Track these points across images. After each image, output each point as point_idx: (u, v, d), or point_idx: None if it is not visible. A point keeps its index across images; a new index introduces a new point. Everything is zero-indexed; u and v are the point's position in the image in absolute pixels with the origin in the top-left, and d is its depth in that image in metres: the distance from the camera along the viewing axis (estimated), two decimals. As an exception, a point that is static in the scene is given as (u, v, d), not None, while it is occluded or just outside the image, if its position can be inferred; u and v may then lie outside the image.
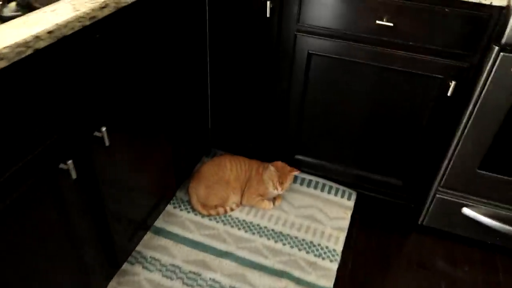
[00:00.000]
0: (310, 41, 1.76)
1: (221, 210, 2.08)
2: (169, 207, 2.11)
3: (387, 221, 2.14)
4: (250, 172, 2.14)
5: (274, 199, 2.15)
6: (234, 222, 2.05)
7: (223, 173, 2.08)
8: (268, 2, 1.69)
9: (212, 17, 1.86)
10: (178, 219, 2.05)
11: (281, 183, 2.03)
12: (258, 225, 2.05)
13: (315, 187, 2.28)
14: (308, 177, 2.31)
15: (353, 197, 2.23)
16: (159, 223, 2.01)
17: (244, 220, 2.07)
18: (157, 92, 1.57)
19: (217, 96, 2.13)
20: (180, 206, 2.12)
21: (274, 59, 1.88)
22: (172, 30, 1.58)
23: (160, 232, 1.97)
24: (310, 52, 1.79)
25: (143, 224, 1.83)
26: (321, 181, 2.29)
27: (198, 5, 1.75)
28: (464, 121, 1.67)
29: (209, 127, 2.26)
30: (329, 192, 2.25)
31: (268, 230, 2.02)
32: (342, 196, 2.23)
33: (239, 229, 2.02)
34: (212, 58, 2.00)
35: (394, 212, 2.16)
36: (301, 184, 2.30)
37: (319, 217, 2.11)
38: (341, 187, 2.27)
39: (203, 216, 2.07)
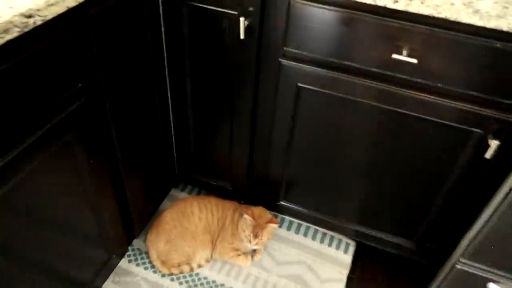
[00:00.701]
0: (300, 71, 1.29)
1: (185, 268, 1.68)
2: (123, 262, 1.71)
3: (393, 282, 1.74)
4: (224, 220, 1.72)
5: (253, 252, 1.75)
6: (202, 284, 1.66)
7: (189, 223, 1.67)
8: (241, 19, 1.21)
9: (170, 43, 1.39)
10: (132, 278, 1.66)
11: (256, 236, 1.61)
12: (230, 287, 1.65)
13: (305, 234, 1.86)
14: (297, 220, 1.90)
15: (351, 249, 1.82)
16: (108, 285, 1.62)
17: (214, 281, 1.67)
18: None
19: (182, 126, 1.67)
20: (136, 260, 1.72)
21: (252, 92, 1.41)
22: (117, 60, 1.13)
23: (107, 299, 1.59)
24: (300, 85, 1.32)
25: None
26: (313, 226, 1.88)
27: (148, 30, 1.28)
28: (506, 191, 1.22)
29: (175, 159, 1.82)
30: (321, 241, 1.83)
31: (242, 297, 1.63)
32: (338, 247, 1.82)
33: (206, 294, 1.63)
34: (174, 88, 1.53)
35: (402, 270, 1.75)
36: (288, 228, 1.88)
37: (307, 277, 1.71)
38: (337, 235, 1.86)
39: (163, 274, 1.67)
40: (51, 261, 1.18)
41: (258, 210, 1.68)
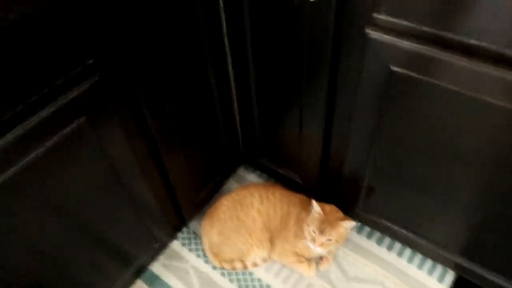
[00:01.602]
0: (394, 49, 0.89)
1: (238, 264, 1.47)
2: (176, 244, 1.57)
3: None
4: (288, 218, 1.44)
5: (319, 260, 1.46)
6: (254, 286, 1.44)
7: (246, 216, 1.43)
8: (313, -30, 0.84)
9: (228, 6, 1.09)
10: (182, 264, 1.51)
11: (323, 233, 1.30)
12: (286, 298, 1.41)
13: (390, 248, 1.49)
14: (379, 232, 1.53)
15: (449, 279, 1.41)
16: (156, 267, 1.51)
17: (268, 286, 1.44)
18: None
19: (245, 102, 1.40)
20: (190, 244, 1.57)
21: (328, 71, 1.05)
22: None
23: (153, 283, 1.47)
24: (394, 69, 0.93)
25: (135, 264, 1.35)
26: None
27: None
28: None
29: (240, 139, 1.57)
30: (410, 261, 1.46)
31: (298, 312, 1.38)
32: (431, 273, 1.42)
33: (257, 300, 1.42)
34: (234, 59, 1.25)
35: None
36: (369, 237, 1.53)
37: (382, 304, 1.37)
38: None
39: (215, 267, 1.50)
40: (99, 228, 1.10)
41: (330, 207, 1.36)
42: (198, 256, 1.53)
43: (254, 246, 1.44)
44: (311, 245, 1.33)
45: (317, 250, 1.33)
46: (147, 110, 1.03)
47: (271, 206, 1.44)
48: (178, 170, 1.29)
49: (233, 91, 1.37)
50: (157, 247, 1.44)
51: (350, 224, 1.31)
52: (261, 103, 1.36)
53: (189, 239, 1.58)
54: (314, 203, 1.31)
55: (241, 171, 1.77)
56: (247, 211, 1.43)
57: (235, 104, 1.43)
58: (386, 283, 1.41)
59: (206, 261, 1.51)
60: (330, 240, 1.31)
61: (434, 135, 1.00)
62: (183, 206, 1.43)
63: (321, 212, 1.31)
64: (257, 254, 1.46)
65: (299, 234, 1.41)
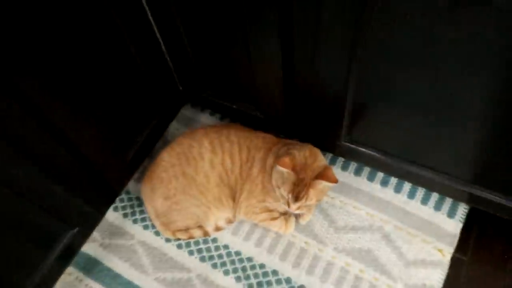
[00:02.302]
0: None
1: (196, 232, 1.15)
2: (115, 216, 1.22)
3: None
4: (251, 165, 1.09)
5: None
6: (220, 256, 1.13)
7: (195, 170, 1.08)
8: None
9: None
10: (126, 241, 1.18)
11: (298, 198, 0.98)
12: (262, 264, 1.10)
13: (384, 184, 1.18)
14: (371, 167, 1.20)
15: (460, 212, 1.11)
16: (92, 248, 1.17)
17: (238, 253, 1.13)
18: None
19: (168, 24, 0.97)
20: (134, 214, 1.22)
21: None
22: None
23: (90, 269, 1.14)
24: None
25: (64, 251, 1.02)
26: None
27: None
28: None
29: (172, 71, 1.16)
30: (411, 196, 1.15)
31: (279, 280, 1.08)
32: (438, 208, 1.12)
33: (227, 272, 1.11)
34: None
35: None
36: (357, 173, 1.20)
37: (383, 255, 1.08)
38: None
39: (168, 239, 1.17)
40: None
41: (303, 154, 1.01)
42: (146, 227, 1.19)
43: (211, 207, 1.10)
44: (286, 208, 1.00)
45: (295, 213, 1.00)
46: None
47: (226, 154, 1.08)
48: (79, 126, 0.90)
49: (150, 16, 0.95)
50: (88, 224, 1.09)
51: (330, 184, 0.97)
52: (189, 25, 0.94)
53: (132, 207, 1.23)
54: (278, 167, 0.96)
55: (188, 112, 1.38)
56: (196, 165, 1.07)
57: (157, 33, 1.01)
58: (385, 228, 1.11)
59: (157, 233, 1.18)
60: (307, 202, 0.98)
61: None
62: (109, 169, 1.06)
63: (291, 173, 0.96)
64: (217, 216, 1.13)
65: (267, 185, 1.07)
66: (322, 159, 1.03)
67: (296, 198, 0.97)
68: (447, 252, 1.06)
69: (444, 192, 1.09)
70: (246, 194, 1.10)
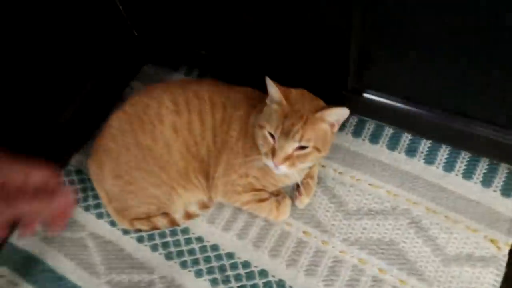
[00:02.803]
0: None
1: (161, 221, 0.87)
2: (63, 202, 0.96)
3: None
4: (228, 126, 0.81)
5: (295, 191, 0.85)
6: (192, 252, 0.86)
7: (152, 138, 0.80)
8: None
9: None
10: (74, 234, 0.92)
11: (290, 133, 0.68)
12: (246, 263, 0.82)
13: (410, 151, 0.87)
14: (390, 125, 0.90)
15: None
16: (30, 242, 0.91)
17: (215, 247, 0.85)
18: None
19: None
20: (86, 199, 0.96)
21: None
22: None
23: (28, 268, 0.89)
24: None
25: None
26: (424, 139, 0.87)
27: None
28: None
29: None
30: (448, 168, 0.84)
31: (269, 284, 0.80)
32: (487, 183, 0.81)
33: (199, 273, 0.83)
34: None
35: None
36: (374, 139, 0.90)
37: (412, 253, 0.78)
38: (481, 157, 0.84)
39: (127, 230, 0.90)
40: None
41: (299, 92, 0.72)
42: (100, 216, 0.93)
43: (176, 187, 0.82)
44: (269, 163, 0.70)
45: (282, 171, 0.70)
46: None
47: (194, 115, 0.80)
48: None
49: None
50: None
51: (337, 111, 0.68)
52: None
53: (84, 190, 0.96)
54: (269, 80, 0.67)
55: (152, 70, 1.09)
56: (153, 131, 0.80)
57: None
58: (414, 211, 0.81)
59: (113, 223, 0.91)
60: (303, 148, 0.69)
61: None
62: (41, 141, 0.79)
63: (281, 97, 0.67)
64: (186, 199, 0.85)
65: (250, 151, 0.78)
66: (320, 102, 0.73)
67: (286, 135, 0.68)
68: (504, 244, 0.76)
69: (498, 158, 0.78)
70: (223, 167, 0.81)
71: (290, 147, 0.68)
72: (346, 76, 0.74)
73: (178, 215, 0.87)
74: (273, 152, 0.69)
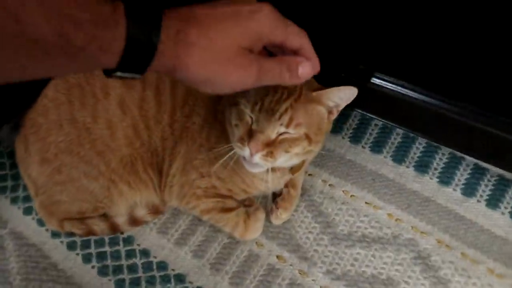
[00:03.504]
0: None
1: (99, 225, 0.68)
2: (-15, 191, 0.77)
3: None
4: (192, 108, 0.63)
5: (273, 202, 0.67)
6: (133, 269, 0.66)
7: (93, 113, 0.62)
8: None
9: None
10: (-7, 231, 0.73)
11: (274, 111, 0.50)
12: (200, 290, 0.63)
13: (421, 166, 0.69)
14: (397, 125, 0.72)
15: None
16: None
17: (163, 265, 0.66)
18: None
19: None
20: (15, 189, 0.77)
21: None
22: None
23: None
24: None
25: None
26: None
27: None
28: None
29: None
30: (468, 191, 0.66)
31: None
32: (518, 215, 0.63)
33: (136, 298, 0.64)
34: None
35: None
36: (376, 148, 0.72)
37: (414, 293, 0.59)
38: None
39: (56, 232, 0.71)
40: None
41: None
42: (28, 211, 0.74)
43: (118, 182, 0.64)
44: (242, 151, 0.51)
45: (256, 162, 0.51)
46: None
47: (150, 91, 0.62)
48: None
49: None
50: None
51: (343, 92, 0.51)
52: None
53: (15, 179, 0.78)
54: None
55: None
56: (95, 106, 0.62)
57: None
58: (421, 243, 0.63)
59: (42, 222, 0.72)
60: (289, 133, 0.51)
61: None
62: None
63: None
64: (131, 199, 0.67)
65: (217, 144, 0.60)
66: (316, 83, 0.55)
67: (270, 113, 0.49)
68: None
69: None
70: (181, 163, 0.63)
71: (274, 130, 0.50)
72: (349, 52, 0.57)
73: (121, 220, 0.68)
74: (249, 135, 0.50)
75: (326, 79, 0.56)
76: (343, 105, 0.52)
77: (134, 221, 0.69)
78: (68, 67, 0.32)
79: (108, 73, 0.34)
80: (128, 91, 0.62)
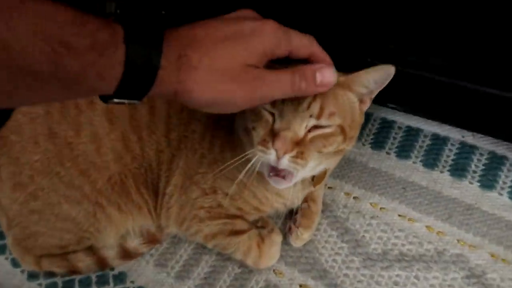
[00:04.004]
0: None
1: (83, 260, 0.57)
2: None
3: None
4: (191, 116, 0.53)
5: (290, 221, 0.56)
6: (127, 311, 0.55)
7: (75, 127, 0.52)
8: None
9: None
10: (-41, 277, 0.61)
11: (299, 107, 0.41)
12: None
13: (457, 170, 0.60)
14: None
15: None
16: None
17: (162, 306, 0.55)
18: None
19: None
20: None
21: None
22: None
23: None
24: None
25: None
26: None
27: None
28: None
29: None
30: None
31: None
32: None
33: None
34: None
35: None
36: (403, 153, 0.63)
37: (473, 321, 0.49)
38: None
39: (33, 273, 0.60)
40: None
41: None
42: (1, 250, 0.63)
43: (106, 206, 0.53)
44: (267, 155, 0.41)
45: (284, 165, 0.41)
46: None
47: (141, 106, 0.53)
48: None
49: None
50: None
51: (377, 73, 0.42)
52: None
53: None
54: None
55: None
56: (77, 117, 0.53)
57: None
58: (471, 257, 0.52)
59: (16, 262, 0.60)
60: (320, 128, 0.41)
61: None
62: None
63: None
64: (122, 226, 0.56)
65: (221, 155, 0.51)
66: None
67: (296, 105, 0.41)
68: None
69: None
70: (180, 179, 0.54)
71: (303, 123, 0.41)
72: (374, 29, 0.49)
73: (111, 253, 0.57)
74: (273, 135, 0.41)
75: (349, 66, 0.48)
76: (376, 91, 0.43)
77: (126, 254, 0.58)
78: (63, 94, 0.31)
79: (105, 99, 0.32)
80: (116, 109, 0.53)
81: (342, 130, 0.42)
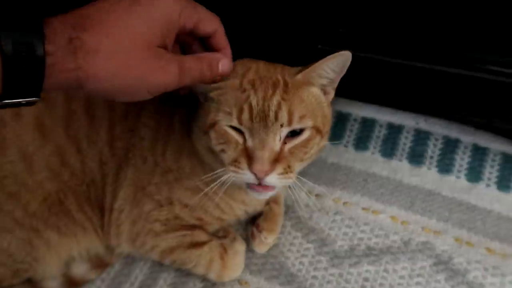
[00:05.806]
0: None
1: (22, 295, 0.50)
2: None
3: None
4: (135, 122, 0.49)
5: (253, 226, 0.53)
6: None
7: (2, 146, 0.46)
8: None
9: None
10: None
11: (267, 118, 0.39)
12: None
13: (414, 156, 0.60)
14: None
15: None
16: None
17: (119, 336, 0.49)
18: None
19: None
20: None
21: None
22: None
23: None
24: None
25: None
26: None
27: None
28: None
29: None
30: (473, 176, 0.57)
31: None
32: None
33: None
34: None
35: None
36: (360, 146, 0.62)
37: (445, 308, 0.48)
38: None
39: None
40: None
41: (263, 65, 0.43)
42: None
43: (42, 231, 0.47)
44: (246, 176, 0.39)
45: (272, 183, 0.39)
46: None
47: (79, 104, 0.48)
48: None
49: None
50: None
51: (333, 61, 0.40)
52: None
53: None
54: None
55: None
56: (1, 133, 0.46)
57: None
58: (436, 244, 0.52)
59: None
60: (296, 134, 0.40)
61: None
62: None
63: (236, 82, 0.41)
64: (65, 252, 0.50)
65: (175, 162, 0.46)
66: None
67: (264, 119, 0.38)
68: None
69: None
70: (130, 190, 0.49)
71: (275, 136, 0.39)
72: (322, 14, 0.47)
73: (54, 284, 0.51)
74: (248, 156, 0.38)
75: (299, 57, 0.46)
76: (337, 79, 0.42)
77: (72, 283, 0.51)
78: None
79: None
80: (48, 108, 0.47)
81: (317, 130, 0.40)
